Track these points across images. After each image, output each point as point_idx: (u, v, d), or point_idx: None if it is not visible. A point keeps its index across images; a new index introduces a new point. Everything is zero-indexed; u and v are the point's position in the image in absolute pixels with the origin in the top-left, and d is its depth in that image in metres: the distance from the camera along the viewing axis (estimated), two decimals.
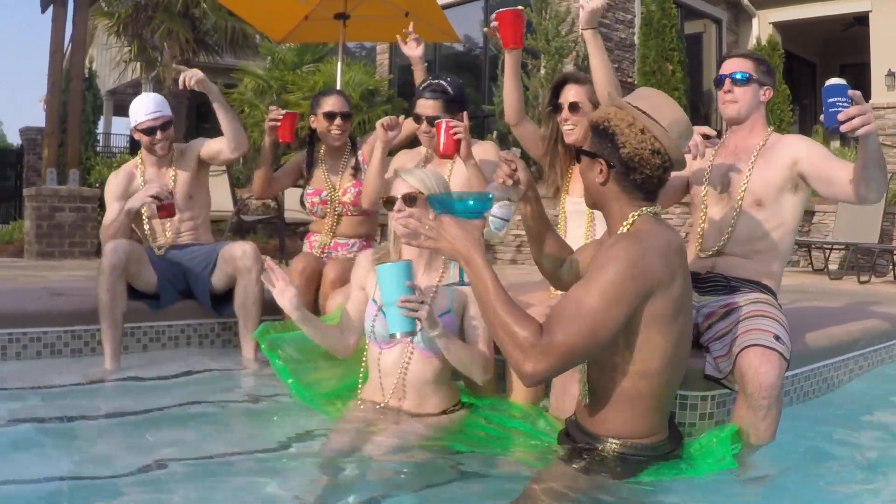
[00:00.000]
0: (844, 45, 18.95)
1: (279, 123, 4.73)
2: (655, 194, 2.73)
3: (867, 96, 16.12)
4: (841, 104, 2.87)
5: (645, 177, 2.65)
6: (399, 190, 3.41)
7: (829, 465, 3.19)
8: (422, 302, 2.98)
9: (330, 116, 4.91)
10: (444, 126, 3.85)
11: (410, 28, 5.26)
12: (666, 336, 2.60)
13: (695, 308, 3.46)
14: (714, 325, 3.36)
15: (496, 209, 3.07)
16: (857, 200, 3.28)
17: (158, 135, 4.76)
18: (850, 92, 2.86)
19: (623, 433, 2.72)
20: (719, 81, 3.64)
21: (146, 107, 4.76)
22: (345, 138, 5.02)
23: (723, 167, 3.64)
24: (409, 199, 3.38)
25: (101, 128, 22.84)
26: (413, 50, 5.17)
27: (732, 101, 3.62)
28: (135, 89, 27.23)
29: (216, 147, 4.85)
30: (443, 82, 4.29)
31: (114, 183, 4.87)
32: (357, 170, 5.03)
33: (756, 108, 3.65)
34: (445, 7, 14.79)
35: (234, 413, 3.84)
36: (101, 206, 10.23)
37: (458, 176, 4.21)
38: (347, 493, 2.82)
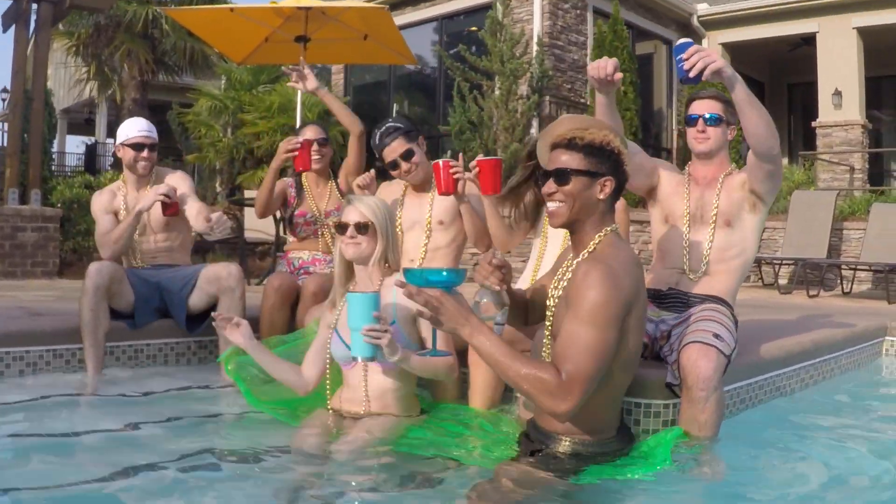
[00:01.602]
0: (792, 65, 19.35)
1: (297, 153, 4.93)
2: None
3: (815, 115, 16.58)
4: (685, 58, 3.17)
5: (623, 190, 2.92)
6: (351, 217, 3.60)
7: (776, 466, 3.38)
8: (385, 331, 3.18)
9: (307, 145, 5.11)
10: (442, 166, 4.08)
11: (302, 61, 5.35)
12: (630, 345, 2.84)
13: (653, 322, 3.71)
14: (670, 338, 3.60)
15: (498, 317, 3.24)
16: (753, 143, 3.52)
17: (145, 152, 4.93)
18: (692, 47, 3.17)
19: (574, 431, 2.94)
20: (692, 120, 3.90)
21: (139, 125, 4.98)
22: (324, 162, 5.27)
23: (697, 196, 3.89)
24: (361, 227, 3.58)
25: (55, 146, 22.75)
26: (306, 86, 5.25)
27: (705, 139, 3.88)
28: (89, 108, 27.18)
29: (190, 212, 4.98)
30: (391, 123, 4.54)
31: (100, 200, 5.02)
32: (339, 195, 5.25)
33: (724, 144, 3.94)
34: (400, 28, 15.01)
35: (211, 426, 3.96)
36: (63, 227, 10.33)
37: (439, 204, 4.49)
38: (312, 491, 2.99)
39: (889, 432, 4.03)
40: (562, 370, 2.67)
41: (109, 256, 4.79)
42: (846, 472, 3.29)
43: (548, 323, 2.99)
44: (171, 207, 4.73)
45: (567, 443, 2.96)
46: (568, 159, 2.93)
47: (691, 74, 3.15)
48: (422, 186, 4.59)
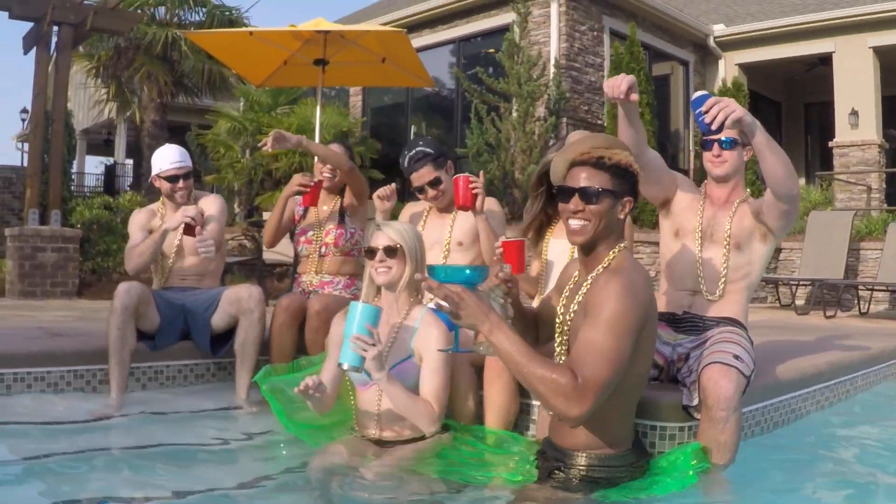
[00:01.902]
0: (809, 85, 19.31)
1: (308, 190, 5.06)
2: None
3: (831, 135, 16.55)
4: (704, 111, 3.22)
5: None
6: (380, 241, 3.64)
7: (792, 488, 3.42)
8: (373, 345, 3.23)
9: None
10: (462, 181, 4.18)
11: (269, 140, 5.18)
12: (641, 359, 2.89)
13: (670, 345, 3.74)
14: (688, 360, 3.62)
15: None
16: (771, 185, 3.57)
17: (180, 183, 5.04)
18: (710, 99, 3.22)
19: (590, 446, 2.98)
20: (708, 145, 3.93)
21: (170, 157, 5.05)
22: (336, 182, 5.33)
23: (710, 214, 3.93)
24: (390, 251, 3.62)
25: (75, 167, 22.92)
26: (287, 146, 5.18)
27: (722, 162, 3.92)
28: (108, 129, 27.39)
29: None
30: (420, 148, 4.61)
31: (138, 217, 5.18)
32: (342, 214, 5.30)
33: (740, 168, 3.98)
34: (417, 51, 15.09)
35: (230, 447, 4.00)
36: (83, 247, 10.42)
37: (460, 225, 4.55)
38: None
39: None
40: (578, 374, 2.69)
41: (133, 269, 4.90)
42: (857, 495, 3.31)
43: (559, 338, 3.03)
44: (192, 229, 4.81)
45: (584, 458, 3.00)
46: (596, 178, 2.98)
47: (713, 127, 3.19)
48: (446, 207, 4.67)
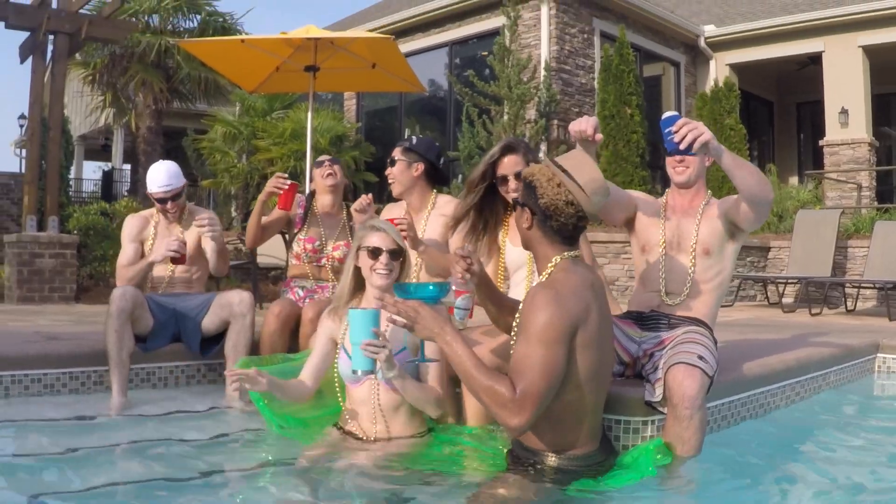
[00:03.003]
0: (800, 84, 19.47)
1: (281, 192, 5.16)
2: (573, 239, 3.18)
3: (822, 133, 16.67)
4: (674, 131, 3.35)
5: (560, 223, 3.09)
6: (384, 243, 3.76)
7: (755, 480, 3.55)
8: (383, 346, 3.38)
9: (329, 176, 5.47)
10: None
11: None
12: (587, 362, 3.02)
13: (636, 343, 3.90)
14: (653, 357, 3.77)
15: (459, 301, 3.49)
16: (745, 198, 3.71)
17: (169, 205, 5.24)
18: (680, 120, 3.35)
19: (556, 446, 3.14)
20: (670, 151, 4.06)
21: (158, 180, 5.21)
22: (337, 185, 5.50)
23: (673, 225, 4.07)
24: (395, 255, 3.78)
25: (72, 172, 23.05)
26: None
27: (685, 168, 4.07)
28: (105, 135, 27.53)
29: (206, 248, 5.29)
30: (408, 142, 4.91)
31: (131, 225, 5.34)
32: (350, 231, 5.44)
33: (702, 173, 4.12)
34: (411, 54, 15.28)
35: (221, 445, 4.12)
36: (80, 252, 10.56)
37: (431, 227, 4.74)
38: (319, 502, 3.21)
39: (873, 448, 4.15)
40: (517, 387, 2.87)
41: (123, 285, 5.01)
42: (824, 487, 3.44)
43: (513, 343, 3.19)
44: (180, 259, 5.00)
45: (553, 458, 3.15)
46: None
47: (682, 146, 3.32)
48: (419, 207, 4.87)
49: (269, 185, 5.20)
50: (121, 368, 4.72)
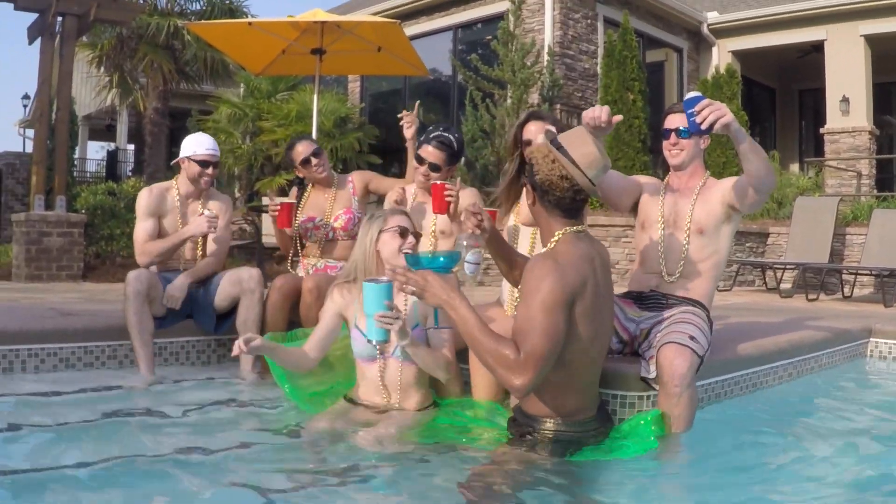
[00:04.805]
0: (801, 72, 19.51)
1: (277, 213, 5.22)
2: (574, 212, 3.30)
3: (823, 121, 16.74)
4: (697, 111, 3.44)
5: (557, 198, 3.22)
6: (410, 224, 4.06)
7: (745, 455, 3.73)
8: (396, 318, 3.53)
9: (305, 162, 5.49)
10: (437, 189, 4.38)
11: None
12: (585, 331, 3.17)
13: (634, 322, 4.05)
14: (650, 335, 3.92)
15: (469, 256, 3.63)
16: (754, 184, 3.81)
17: (210, 169, 5.33)
18: (703, 101, 3.43)
19: (554, 413, 3.32)
20: (665, 134, 4.18)
21: (206, 143, 5.34)
22: (326, 170, 5.55)
23: (671, 203, 4.19)
24: (417, 236, 4.08)
25: (77, 152, 23.12)
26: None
27: (679, 151, 4.17)
28: (110, 115, 27.57)
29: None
30: (451, 137, 4.89)
31: (148, 199, 5.30)
32: (347, 199, 5.55)
33: (697, 155, 4.22)
34: (415, 37, 15.33)
35: (237, 414, 4.32)
36: (87, 231, 10.69)
37: (441, 217, 4.74)
38: (326, 469, 3.39)
39: (859, 429, 4.25)
40: (520, 349, 3.02)
41: (145, 265, 5.15)
42: (809, 466, 3.59)
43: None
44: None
45: (550, 423, 3.33)
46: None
47: (703, 127, 3.41)
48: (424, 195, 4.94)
49: (270, 210, 5.28)
50: (146, 348, 4.89)
